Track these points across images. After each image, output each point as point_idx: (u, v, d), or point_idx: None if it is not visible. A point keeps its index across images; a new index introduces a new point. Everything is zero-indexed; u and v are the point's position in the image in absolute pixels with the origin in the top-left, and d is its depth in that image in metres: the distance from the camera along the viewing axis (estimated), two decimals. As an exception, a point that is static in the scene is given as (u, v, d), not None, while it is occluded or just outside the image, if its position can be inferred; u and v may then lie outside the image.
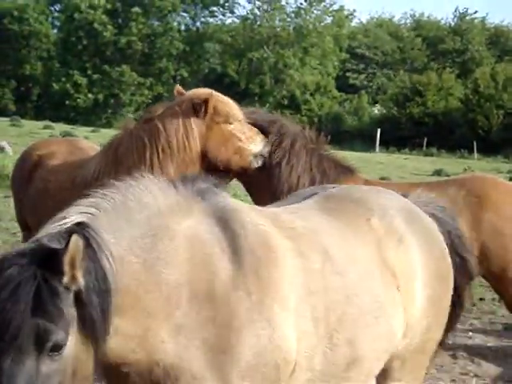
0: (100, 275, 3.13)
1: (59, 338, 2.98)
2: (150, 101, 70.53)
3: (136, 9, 74.63)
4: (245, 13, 79.21)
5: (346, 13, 79.40)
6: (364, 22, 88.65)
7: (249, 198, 7.35)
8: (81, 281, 3.06)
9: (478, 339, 8.90)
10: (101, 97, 73.50)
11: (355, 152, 40.46)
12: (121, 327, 3.26)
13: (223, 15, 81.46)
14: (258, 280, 3.55)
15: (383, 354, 4.11)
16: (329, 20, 77.89)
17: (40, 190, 6.86)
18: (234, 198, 3.98)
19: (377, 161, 36.72)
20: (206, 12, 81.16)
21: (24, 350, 2.92)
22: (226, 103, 6.29)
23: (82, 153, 7.08)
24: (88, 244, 3.11)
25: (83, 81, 73.45)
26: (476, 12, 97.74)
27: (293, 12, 77.13)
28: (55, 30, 79.77)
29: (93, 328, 3.09)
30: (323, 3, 77.01)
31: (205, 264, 3.46)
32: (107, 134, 22.28)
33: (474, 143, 51.33)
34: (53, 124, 45.46)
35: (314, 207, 4.22)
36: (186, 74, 76.28)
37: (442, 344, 4.69)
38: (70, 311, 3.04)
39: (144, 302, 3.32)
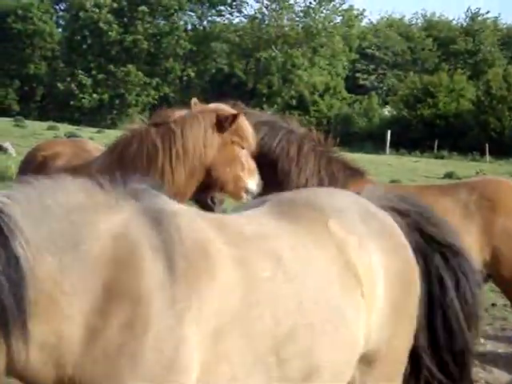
0: (12, 262, 3.00)
1: None
2: (156, 101, 71.01)
3: (143, 7, 75.01)
4: (253, 12, 79.93)
5: (355, 12, 79.93)
6: (374, 21, 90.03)
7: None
8: None
9: (490, 346, 8.82)
10: (106, 97, 74.07)
11: (365, 154, 40.75)
12: (33, 334, 3.06)
13: (231, 14, 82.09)
14: (188, 289, 3.33)
15: (346, 365, 3.93)
16: (338, 20, 78.36)
17: None
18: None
19: (387, 163, 36.93)
20: (213, 11, 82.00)
21: None
22: (247, 128, 6.31)
23: (86, 154, 7.10)
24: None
25: (88, 81, 74.06)
26: (488, 12, 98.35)
27: (301, 11, 77.67)
28: (60, 29, 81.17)
29: (4, 318, 2.96)
30: (332, 3, 77.53)
31: (131, 265, 3.25)
32: (112, 134, 22.77)
33: (486, 146, 51.17)
34: (57, 124, 45.65)
35: (267, 212, 4.01)
36: (192, 74, 77.03)
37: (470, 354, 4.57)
38: None
39: (59, 305, 3.12)
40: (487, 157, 50.63)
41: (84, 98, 72.98)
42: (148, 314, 3.21)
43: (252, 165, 6.36)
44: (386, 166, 33.81)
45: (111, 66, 74.17)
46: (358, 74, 78.62)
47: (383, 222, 4.25)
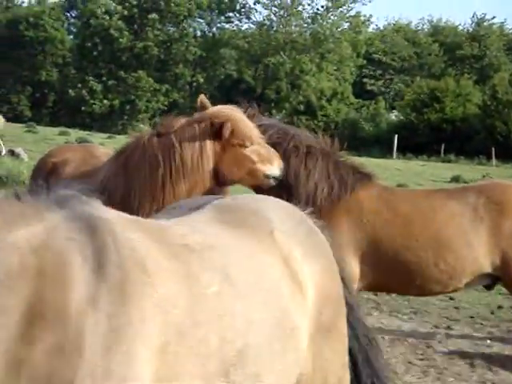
0: None
1: None
2: (166, 107, 70.75)
3: (153, 15, 74.95)
4: (261, 18, 79.70)
5: (362, 18, 79.58)
6: (381, 27, 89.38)
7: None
8: None
9: (496, 347, 8.75)
10: (116, 103, 73.89)
11: (372, 158, 40.38)
12: None
13: (239, 21, 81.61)
14: (124, 302, 2.83)
15: None
16: (346, 26, 78.25)
17: None
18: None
19: (394, 167, 36.66)
20: (222, 18, 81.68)
21: None
22: (243, 126, 6.17)
23: (95, 160, 7.03)
24: None
25: (99, 87, 73.88)
26: (494, 18, 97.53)
27: (309, 18, 77.46)
28: (71, 36, 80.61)
29: None
30: (340, 9, 77.29)
31: (56, 279, 2.74)
32: (123, 140, 22.22)
33: (493, 149, 51.03)
34: (69, 130, 45.53)
35: (211, 219, 3.60)
36: (201, 80, 76.63)
37: None
38: None
39: None
40: (494, 160, 50.49)
41: (95, 103, 72.83)
42: (80, 334, 2.70)
43: (266, 152, 6.23)
44: (393, 170, 33.65)
45: (122, 73, 74.14)
46: (365, 80, 78.31)
47: (323, 239, 3.98)
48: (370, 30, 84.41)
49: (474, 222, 6.65)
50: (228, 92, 67.77)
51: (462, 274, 6.65)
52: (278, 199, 4.10)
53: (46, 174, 7.11)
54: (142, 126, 47.99)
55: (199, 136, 6.02)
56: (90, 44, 75.19)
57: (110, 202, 3.83)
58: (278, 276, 3.51)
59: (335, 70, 75.65)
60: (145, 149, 6.13)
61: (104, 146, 11.49)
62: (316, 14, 76.71)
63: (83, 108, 72.50)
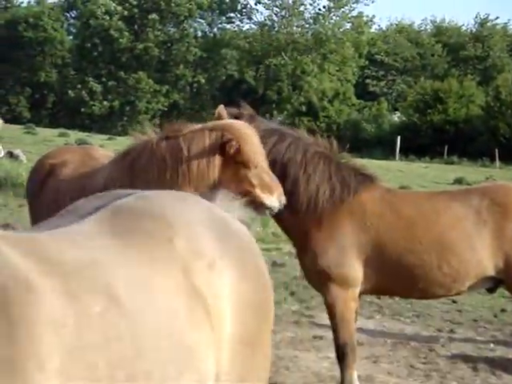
0: None
1: None
2: (166, 108, 70.81)
3: (153, 16, 74.98)
4: (262, 19, 79.75)
5: (365, 19, 79.77)
6: (384, 28, 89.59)
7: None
8: None
9: (500, 351, 8.76)
10: (116, 104, 74.09)
11: (374, 160, 40.60)
12: None
13: (241, 21, 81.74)
14: (8, 326, 2.51)
15: None
16: (348, 26, 78.44)
17: (50, 199, 6.75)
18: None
19: (396, 169, 36.96)
20: (223, 18, 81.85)
21: None
22: (251, 147, 6.07)
23: (94, 162, 6.97)
24: None
25: (98, 88, 74.15)
26: (497, 18, 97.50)
27: (311, 18, 77.54)
28: (70, 37, 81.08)
29: None
30: (342, 9, 77.39)
31: None
32: (123, 141, 22.51)
33: (496, 151, 51.10)
34: (68, 131, 45.86)
35: (98, 229, 3.19)
36: (202, 81, 76.88)
37: None
38: None
39: None
40: (497, 162, 50.60)
41: (94, 105, 73.03)
42: None
43: (269, 180, 6.14)
44: (395, 172, 33.84)
45: (122, 73, 74.24)
46: (367, 80, 78.55)
47: (243, 241, 3.60)
48: (372, 30, 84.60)
49: (477, 225, 6.60)
50: (229, 93, 67.93)
51: (466, 277, 6.60)
52: (199, 198, 3.70)
53: (44, 176, 7.06)
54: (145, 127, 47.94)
55: (208, 146, 6.01)
56: (89, 45, 75.35)
57: None
58: (173, 292, 3.15)
59: (337, 70, 75.70)
60: (153, 151, 6.12)
61: (104, 148, 11.52)
62: (318, 14, 76.75)
63: (83, 109, 72.74)
